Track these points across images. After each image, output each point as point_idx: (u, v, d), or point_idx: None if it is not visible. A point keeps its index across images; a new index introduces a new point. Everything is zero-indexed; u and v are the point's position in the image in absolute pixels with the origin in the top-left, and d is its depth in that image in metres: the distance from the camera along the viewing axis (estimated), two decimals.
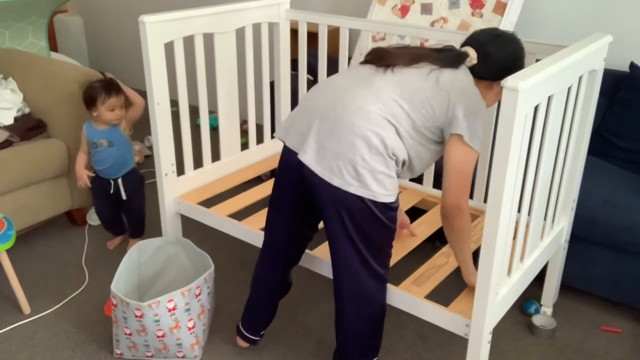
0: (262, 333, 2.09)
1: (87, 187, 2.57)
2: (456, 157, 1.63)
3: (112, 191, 2.57)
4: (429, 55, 1.70)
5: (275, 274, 1.95)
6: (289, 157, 1.72)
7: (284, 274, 1.97)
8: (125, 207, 2.66)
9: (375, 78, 1.66)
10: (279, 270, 1.94)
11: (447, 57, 1.69)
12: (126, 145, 2.57)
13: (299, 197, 1.78)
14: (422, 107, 1.62)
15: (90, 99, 2.45)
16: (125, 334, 1.99)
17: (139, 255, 2.19)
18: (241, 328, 2.07)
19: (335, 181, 1.59)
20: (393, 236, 1.73)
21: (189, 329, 1.99)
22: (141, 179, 2.67)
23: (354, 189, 1.58)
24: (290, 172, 1.74)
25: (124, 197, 2.59)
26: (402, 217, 2.08)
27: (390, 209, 1.64)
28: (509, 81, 1.37)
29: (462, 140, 1.61)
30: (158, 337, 1.96)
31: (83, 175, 2.54)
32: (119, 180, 2.56)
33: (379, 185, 1.59)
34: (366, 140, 1.57)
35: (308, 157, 1.63)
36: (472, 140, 1.61)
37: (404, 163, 1.67)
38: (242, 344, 2.09)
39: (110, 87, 2.45)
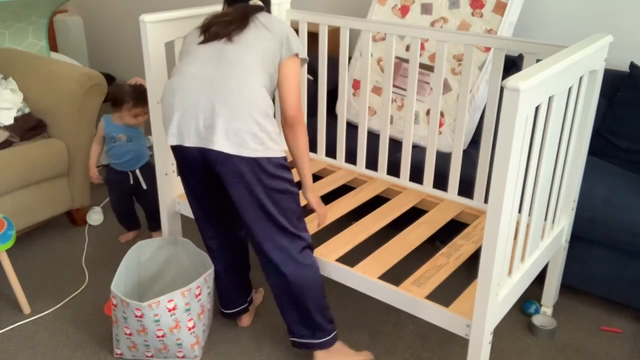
0: (237, 309, 2.19)
1: (98, 181, 2.64)
2: (296, 72, 1.88)
3: (131, 182, 2.64)
4: (244, 9, 1.90)
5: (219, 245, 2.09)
6: (189, 154, 1.83)
7: (226, 245, 2.09)
8: (143, 198, 2.70)
9: (227, 53, 1.81)
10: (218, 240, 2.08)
11: (254, 7, 1.92)
12: (143, 138, 2.64)
13: (207, 182, 1.94)
14: (271, 55, 1.84)
15: (117, 101, 2.51)
16: (125, 334, 1.99)
17: (139, 255, 2.19)
18: (220, 307, 2.22)
19: (245, 152, 1.75)
20: (298, 200, 1.91)
21: (189, 329, 1.99)
22: (154, 171, 2.70)
23: (261, 152, 1.77)
24: (196, 167, 1.88)
25: (144, 187, 2.65)
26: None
27: (287, 168, 1.87)
28: (510, 81, 1.37)
29: (297, 57, 1.88)
30: (158, 337, 1.96)
31: (94, 173, 2.64)
32: (137, 172, 2.63)
33: (277, 144, 1.81)
34: (258, 110, 1.76)
35: (218, 145, 1.75)
36: (301, 53, 1.89)
37: None
38: (240, 321, 2.25)
39: (140, 96, 2.48)
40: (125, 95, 2.49)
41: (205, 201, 2.00)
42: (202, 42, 1.86)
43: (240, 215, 1.86)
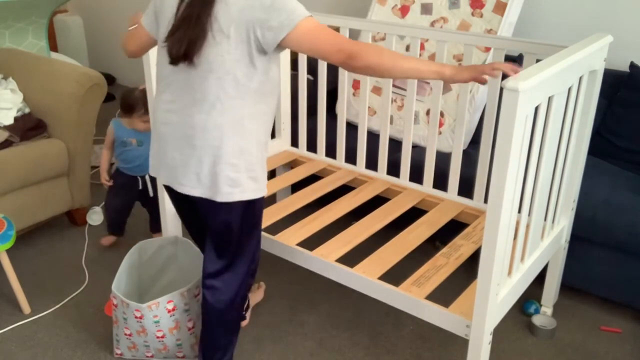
0: None
1: (110, 184, 2.63)
2: (312, 31, 1.52)
3: (140, 187, 2.62)
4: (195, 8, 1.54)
5: None
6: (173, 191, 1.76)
7: None
8: (152, 203, 2.64)
9: (195, 80, 1.58)
10: None
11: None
12: None
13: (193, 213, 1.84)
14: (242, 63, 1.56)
15: (128, 107, 2.49)
16: (125, 334, 1.99)
17: (139, 255, 2.19)
18: None
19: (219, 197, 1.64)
20: None
21: (189, 329, 1.99)
22: None
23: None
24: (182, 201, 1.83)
25: (151, 194, 2.62)
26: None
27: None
28: (510, 82, 1.37)
29: (302, 22, 1.50)
30: (158, 337, 1.96)
31: (105, 174, 2.63)
32: (147, 177, 2.61)
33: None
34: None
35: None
36: (305, 13, 1.53)
37: None
38: None
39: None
40: (136, 102, 2.47)
41: (192, 224, 1.97)
42: (172, 63, 1.59)
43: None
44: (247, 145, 1.61)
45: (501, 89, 2.20)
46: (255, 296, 2.34)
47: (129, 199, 2.67)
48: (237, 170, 1.61)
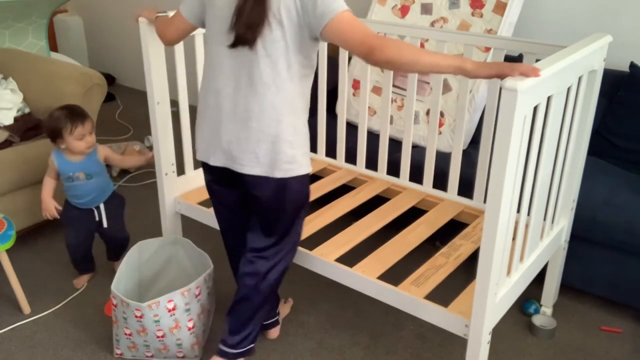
0: (267, 322, 2.13)
1: (54, 218, 2.32)
2: (347, 24, 1.58)
3: (97, 219, 2.35)
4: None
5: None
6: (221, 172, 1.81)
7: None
8: (107, 234, 2.42)
9: (250, 64, 1.66)
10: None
11: None
12: (104, 171, 2.34)
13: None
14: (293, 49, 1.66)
15: (54, 131, 2.20)
16: (125, 334, 1.99)
17: (139, 255, 2.20)
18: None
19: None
20: None
21: (189, 329, 1.99)
22: (122, 202, 2.45)
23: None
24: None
25: (105, 225, 2.36)
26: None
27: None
28: (508, 82, 1.37)
29: (340, 15, 1.57)
30: (158, 337, 1.96)
31: (50, 207, 2.29)
32: (101, 207, 2.35)
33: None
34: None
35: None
36: (344, 6, 1.59)
37: None
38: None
39: (74, 114, 2.21)
40: (59, 121, 2.19)
41: (235, 212, 1.96)
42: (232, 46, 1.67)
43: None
44: (299, 123, 1.72)
45: (500, 89, 2.20)
46: (283, 309, 2.29)
47: (87, 232, 2.37)
48: (293, 147, 1.71)
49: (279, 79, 1.65)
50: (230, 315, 1.93)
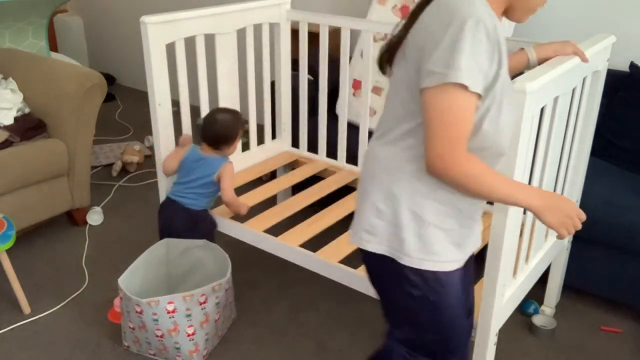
0: None
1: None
2: (440, 104, 1.17)
3: None
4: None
5: None
6: None
7: None
8: None
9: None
10: None
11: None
12: None
13: None
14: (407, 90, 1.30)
15: (233, 136, 2.23)
16: (129, 327, 2.01)
17: (166, 252, 2.17)
18: None
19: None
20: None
21: (188, 335, 1.97)
22: None
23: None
24: None
25: None
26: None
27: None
28: (517, 83, 1.37)
29: (448, 86, 1.15)
30: (157, 337, 1.96)
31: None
32: None
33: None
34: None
35: None
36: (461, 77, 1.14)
37: None
38: None
39: (239, 116, 2.30)
40: (239, 124, 2.25)
41: None
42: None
43: None
44: None
45: None
46: None
47: None
48: None
49: None
50: None
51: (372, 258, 1.36)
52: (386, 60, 1.36)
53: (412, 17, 1.26)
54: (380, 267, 1.37)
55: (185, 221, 2.21)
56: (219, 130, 2.21)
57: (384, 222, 1.31)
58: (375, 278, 1.43)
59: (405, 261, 1.30)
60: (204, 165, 2.21)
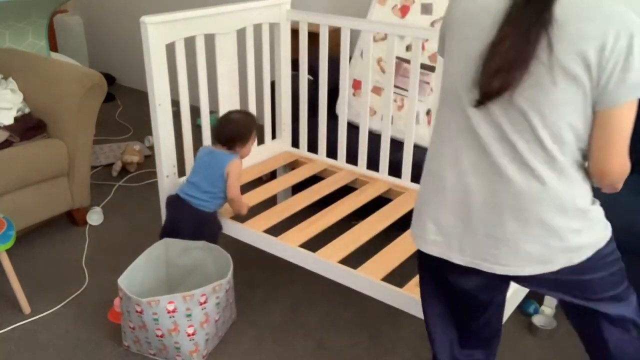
0: None
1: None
2: (622, 121, 1.23)
3: None
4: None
5: None
6: None
7: None
8: None
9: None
10: None
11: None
12: None
13: None
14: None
15: (248, 134, 2.25)
16: (130, 327, 2.00)
17: (166, 252, 2.17)
18: None
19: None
20: None
21: (188, 335, 1.97)
22: None
23: None
24: None
25: None
26: None
27: None
28: None
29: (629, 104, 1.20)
30: (157, 336, 1.96)
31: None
32: None
33: None
34: None
35: None
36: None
37: None
38: None
39: (252, 116, 2.33)
40: (253, 123, 2.27)
41: None
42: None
43: None
44: None
45: None
46: None
47: None
48: None
49: None
50: None
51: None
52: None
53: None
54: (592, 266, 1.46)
55: (193, 223, 2.20)
56: (233, 129, 2.22)
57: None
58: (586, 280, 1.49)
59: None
60: (214, 159, 2.22)
